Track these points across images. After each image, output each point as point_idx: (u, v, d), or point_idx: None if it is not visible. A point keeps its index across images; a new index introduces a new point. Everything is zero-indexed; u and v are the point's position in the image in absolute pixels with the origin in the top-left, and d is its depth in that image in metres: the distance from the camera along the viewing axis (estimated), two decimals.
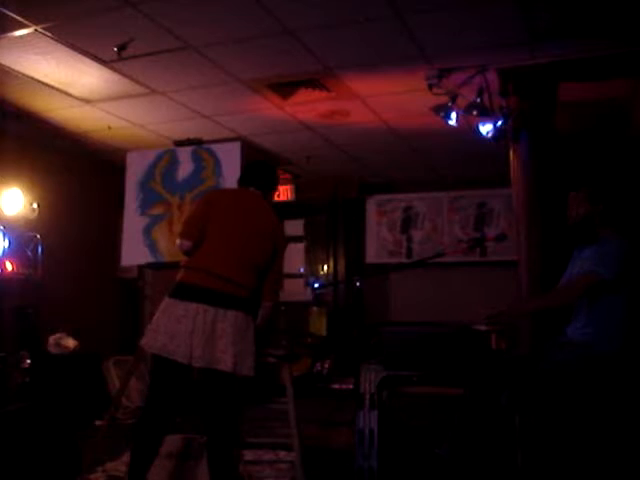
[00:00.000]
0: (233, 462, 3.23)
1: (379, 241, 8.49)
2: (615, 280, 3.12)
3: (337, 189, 8.45)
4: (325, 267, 8.63)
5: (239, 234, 3.21)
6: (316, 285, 8.53)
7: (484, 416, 3.18)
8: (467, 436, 3.18)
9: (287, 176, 8.18)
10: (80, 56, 4.72)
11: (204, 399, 3.20)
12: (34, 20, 4.18)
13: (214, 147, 4.91)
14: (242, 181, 3.44)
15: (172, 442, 3.71)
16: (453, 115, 4.97)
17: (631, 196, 5.33)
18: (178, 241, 3.22)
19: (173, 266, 4.18)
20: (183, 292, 3.10)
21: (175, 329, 3.03)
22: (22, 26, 4.24)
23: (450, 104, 4.94)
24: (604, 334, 3.16)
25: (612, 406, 3.10)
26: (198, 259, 3.15)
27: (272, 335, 3.83)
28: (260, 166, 3.52)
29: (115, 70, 4.97)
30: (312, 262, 8.67)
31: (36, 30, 4.30)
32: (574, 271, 3.38)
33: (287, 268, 8.69)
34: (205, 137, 6.39)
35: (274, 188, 3.54)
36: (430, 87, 4.93)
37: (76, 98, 5.56)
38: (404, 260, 8.30)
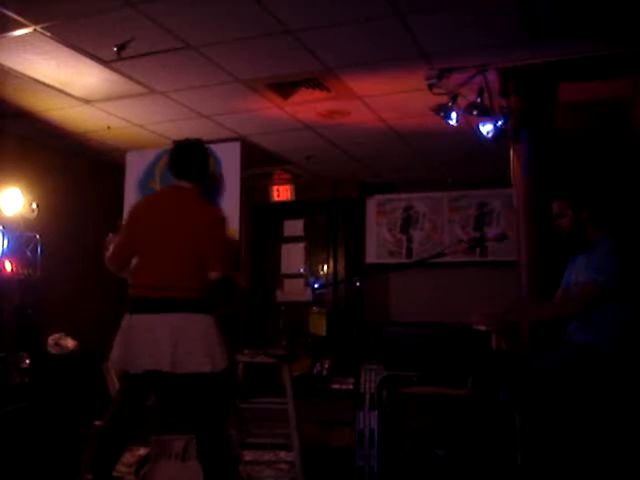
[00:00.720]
0: (226, 462, 3.25)
1: (379, 241, 8.49)
2: (616, 285, 3.11)
3: (337, 189, 8.44)
4: (325, 267, 8.63)
5: (166, 239, 3.28)
6: (316, 285, 8.52)
7: (485, 416, 3.17)
8: (468, 436, 3.18)
9: (287, 176, 8.19)
10: (80, 56, 4.71)
11: (170, 404, 3.34)
12: (34, 20, 4.18)
13: (214, 147, 4.88)
14: (175, 174, 3.44)
15: (172, 442, 3.71)
16: (453, 115, 4.97)
17: (618, 195, 5.35)
18: (107, 263, 3.40)
19: None
20: (131, 306, 3.26)
21: (125, 341, 3.22)
22: (22, 26, 4.23)
23: (450, 104, 4.93)
24: (605, 335, 3.15)
25: (610, 406, 3.10)
26: (136, 275, 3.31)
27: (231, 290, 3.83)
28: (190, 157, 3.47)
29: (115, 70, 4.97)
30: (312, 262, 8.67)
31: (36, 30, 4.29)
32: (570, 280, 3.37)
33: (287, 268, 8.77)
34: (205, 137, 6.36)
35: (204, 174, 3.50)
36: (430, 87, 4.93)
37: (76, 98, 5.55)
38: (404, 260, 8.29)
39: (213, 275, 3.27)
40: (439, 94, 4.94)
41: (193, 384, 3.23)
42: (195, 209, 3.36)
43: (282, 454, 4.30)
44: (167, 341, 3.13)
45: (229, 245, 3.43)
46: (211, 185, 3.87)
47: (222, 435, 3.26)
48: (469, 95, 4.88)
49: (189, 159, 3.45)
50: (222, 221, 3.39)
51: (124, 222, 3.52)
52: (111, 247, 3.44)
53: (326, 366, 7.40)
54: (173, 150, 3.52)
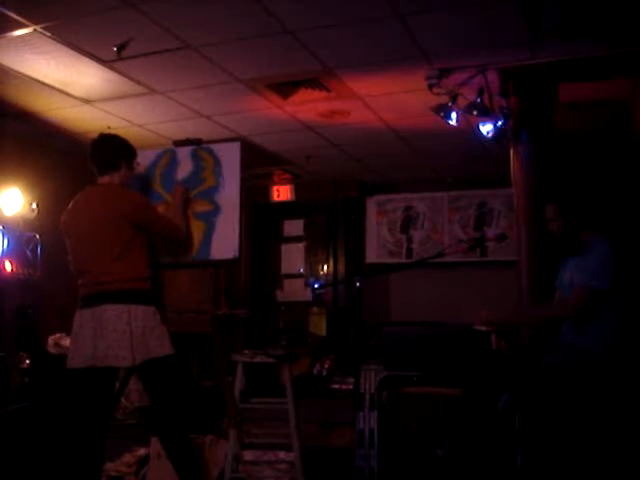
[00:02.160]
0: (187, 457, 3.28)
1: (379, 241, 8.49)
2: (611, 287, 3.11)
3: (337, 189, 8.44)
4: (325, 267, 8.63)
5: (85, 237, 3.34)
6: (316, 285, 8.53)
7: (482, 416, 3.17)
8: (466, 436, 3.18)
9: (287, 176, 8.19)
10: (80, 56, 4.71)
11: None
12: (33, 20, 4.18)
13: (214, 147, 4.88)
14: (98, 172, 3.46)
15: None
16: (453, 115, 4.97)
17: (618, 195, 5.35)
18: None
19: (172, 266, 4.18)
20: (78, 303, 3.33)
21: (74, 337, 3.29)
22: (22, 26, 4.23)
23: (450, 104, 4.93)
24: (599, 336, 3.15)
25: (608, 406, 3.10)
26: (79, 275, 3.36)
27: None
28: (97, 150, 3.47)
29: (115, 70, 4.97)
30: (312, 262, 8.67)
31: (35, 30, 4.29)
32: (565, 281, 3.37)
33: (287, 268, 8.77)
34: (205, 137, 6.35)
35: (117, 165, 3.45)
36: (430, 87, 4.93)
37: (76, 98, 5.55)
38: (404, 260, 8.30)
39: (180, 251, 3.40)
40: (439, 94, 4.94)
41: (141, 377, 3.32)
42: (109, 199, 3.36)
43: (282, 454, 4.29)
44: (93, 335, 3.17)
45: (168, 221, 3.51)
46: (139, 180, 3.88)
47: (177, 432, 3.32)
48: (469, 95, 4.88)
49: (98, 152, 3.46)
50: (146, 203, 3.46)
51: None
52: None
53: (326, 366, 7.41)
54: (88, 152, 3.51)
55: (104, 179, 3.42)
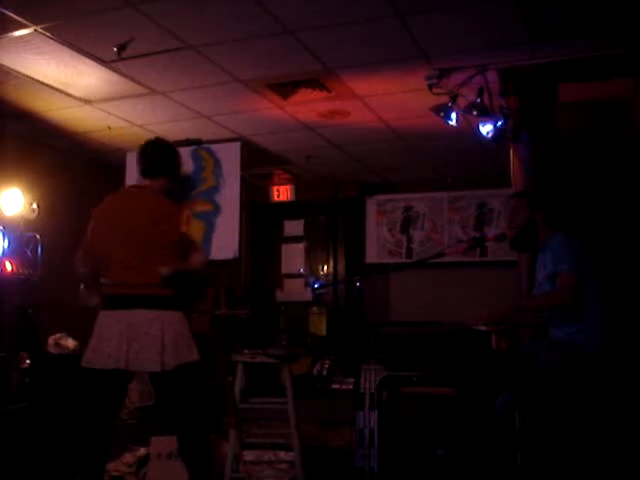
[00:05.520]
0: (206, 456, 3.28)
1: (379, 241, 8.48)
2: (579, 272, 3.13)
3: (337, 189, 8.44)
4: (325, 267, 8.63)
5: (125, 238, 3.30)
6: (316, 285, 8.52)
7: (478, 416, 3.17)
8: (462, 436, 3.18)
9: (287, 176, 8.18)
10: (80, 56, 4.71)
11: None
12: (34, 20, 4.18)
13: (214, 147, 4.89)
14: (142, 173, 3.46)
15: (172, 442, 3.71)
16: (453, 115, 4.97)
17: (617, 195, 5.36)
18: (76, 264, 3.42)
19: None
20: (102, 304, 3.34)
21: (95, 339, 3.28)
22: (22, 26, 4.23)
23: (450, 104, 4.93)
24: (584, 333, 3.17)
25: (606, 405, 3.11)
26: (107, 274, 3.34)
27: (204, 285, 3.87)
28: (149, 155, 3.49)
29: (115, 70, 4.97)
30: (312, 262, 8.67)
31: (36, 30, 4.29)
32: (536, 280, 3.40)
33: (287, 268, 8.77)
34: (205, 137, 6.36)
35: (169, 173, 3.50)
36: (430, 87, 4.93)
37: (76, 98, 5.55)
38: (404, 260, 8.29)
39: (163, 270, 3.25)
40: (439, 94, 4.95)
41: (160, 381, 3.29)
42: (149, 205, 3.37)
43: (282, 454, 4.30)
44: (123, 338, 3.16)
45: (185, 242, 3.42)
46: (183, 185, 3.90)
47: (200, 434, 3.30)
48: (469, 95, 4.88)
49: (152, 155, 3.48)
50: (174, 214, 3.39)
51: (89, 227, 3.53)
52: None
53: (326, 366, 7.40)
54: (138, 150, 3.52)
55: (148, 182, 3.43)
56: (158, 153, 3.49)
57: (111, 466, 4.07)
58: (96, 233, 3.42)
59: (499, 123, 4.96)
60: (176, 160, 3.58)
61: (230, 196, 4.22)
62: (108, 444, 3.33)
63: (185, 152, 5.34)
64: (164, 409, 3.49)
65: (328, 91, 5.39)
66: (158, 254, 3.26)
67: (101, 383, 3.27)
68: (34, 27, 4.26)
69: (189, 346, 3.24)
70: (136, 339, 3.16)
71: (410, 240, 8.35)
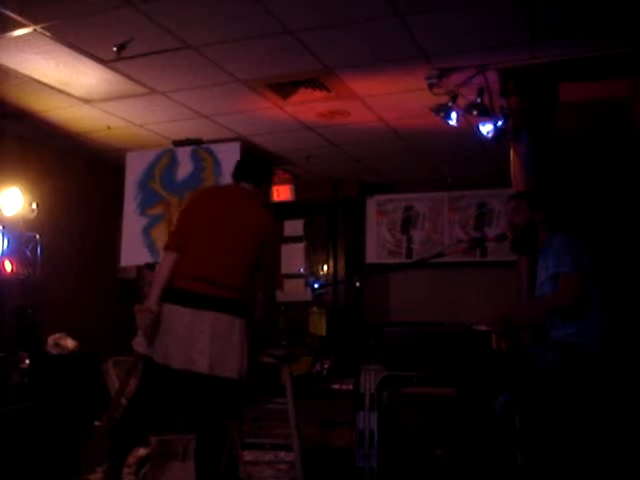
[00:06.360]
0: (218, 464, 3.24)
1: (379, 241, 8.48)
2: (581, 273, 3.12)
3: (337, 189, 8.44)
4: (325, 267, 8.63)
5: (222, 234, 3.17)
6: (316, 285, 8.52)
7: (478, 416, 3.17)
8: (462, 437, 3.17)
9: (287, 176, 8.18)
10: (79, 56, 4.71)
11: (189, 401, 3.26)
12: (33, 20, 4.18)
13: (213, 147, 4.91)
14: (235, 175, 3.40)
15: (172, 442, 3.71)
16: (453, 115, 4.97)
17: (617, 195, 5.36)
18: (163, 254, 3.24)
19: None
20: (169, 296, 3.12)
21: (165, 334, 3.09)
22: (21, 26, 4.24)
23: (450, 104, 4.93)
24: (585, 334, 3.16)
25: (606, 405, 3.11)
26: (183, 265, 3.14)
27: (272, 333, 3.81)
28: (255, 160, 3.52)
29: (114, 70, 4.97)
30: (312, 262, 8.67)
31: (35, 30, 4.30)
32: (537, 282, 3.40)
33: (287, 268, 8.77)
34: (204, 137, 6.39)
35: (268, 181, 3.47)
36: (430, 87, 4.93)
37: (75, 98, 5.55)
38: (404, 260, 8.30)
39: (259, 298, 3.21)
40: (439, 94, 4.95)
41: (218, 387, 3.11)
42: (256, 211, 3.28)
43: (282, 454, 4.30)
44: (187, 337, 3.02)
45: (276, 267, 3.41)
46: None
47: (223, 435, 3.26)
48: (469, 95, 4.88)
49: (257, 164, 3.45)
50: (275, 233, 3.39)
51: (184, 207, 3.40)
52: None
53: (326, 366, 7.40)
54: (243, 157, 3.53)
55: (243, 185, 3.35)
56: (261, 165, 3.46)
57: None
58: (193, 219, 3.24)
59: (499, 123, 4.95)
60: (271, 176, 3.55)
61: None
62: (141, 438, 3.31)
63: (185, 152, 5.37)
64: (188, 409, 3.40)
65: (328, 91, 5.39)
66: (245, 263, 3.16)
67: (171, 382, 3.17)
68: (34, 27, 4.26)
69: (247, 355, 3.16)
70: (216, 344, 3.03)
71: (410, 240, 8.35)
